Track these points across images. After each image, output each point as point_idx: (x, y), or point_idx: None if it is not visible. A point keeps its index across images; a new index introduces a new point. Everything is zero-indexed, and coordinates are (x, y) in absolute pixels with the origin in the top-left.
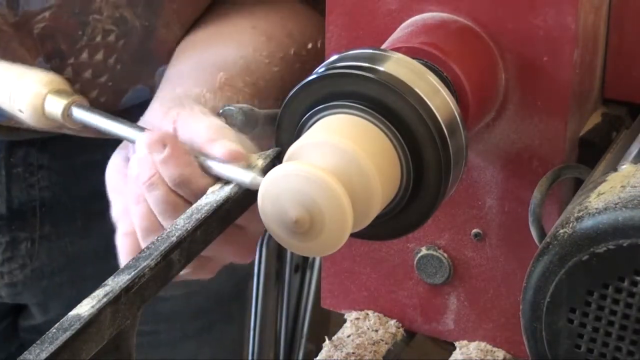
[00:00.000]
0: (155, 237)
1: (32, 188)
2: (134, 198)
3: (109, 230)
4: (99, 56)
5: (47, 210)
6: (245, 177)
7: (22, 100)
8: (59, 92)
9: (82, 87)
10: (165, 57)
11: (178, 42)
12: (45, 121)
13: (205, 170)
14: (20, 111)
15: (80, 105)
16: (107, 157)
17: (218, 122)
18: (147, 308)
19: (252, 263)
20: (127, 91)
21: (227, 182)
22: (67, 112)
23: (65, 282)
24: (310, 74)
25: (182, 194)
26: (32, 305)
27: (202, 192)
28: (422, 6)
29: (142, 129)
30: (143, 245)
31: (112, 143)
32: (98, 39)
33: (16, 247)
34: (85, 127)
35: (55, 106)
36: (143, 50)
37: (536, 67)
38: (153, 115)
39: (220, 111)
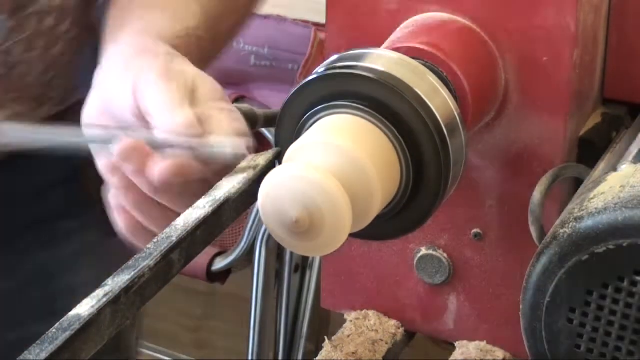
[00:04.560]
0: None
1: None
2: (131, 204)
3: (31, 265)
4: (58, 1)
5: None
6: (224, 145)
7: None
8: None
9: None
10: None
11: None
12: None
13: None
14: None
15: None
16: (31, 190)
17: (175, 93)
18: None
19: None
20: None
21: (226, 182)
22: None
23: None
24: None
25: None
26: None
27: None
28: (422, 6)
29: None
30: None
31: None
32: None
33: None
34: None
35: None
36: None
37: (536, 67)
38: (114, 87)
39: None
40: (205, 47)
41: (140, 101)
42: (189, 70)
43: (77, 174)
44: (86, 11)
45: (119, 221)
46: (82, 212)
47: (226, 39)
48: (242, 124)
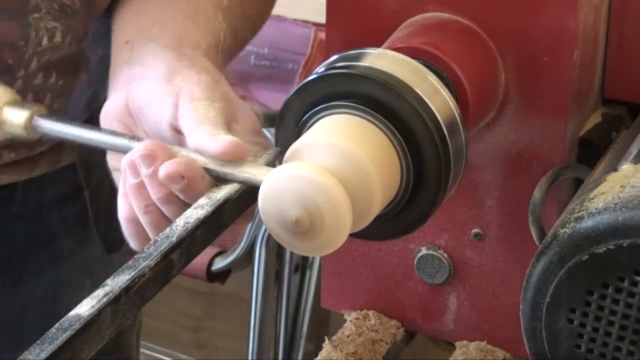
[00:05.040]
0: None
1: None
2: (140, 208)
3: (29, 287)
4: (46, 58)
5: None
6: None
7: None
8: (13, 105)
9: (33, 95)
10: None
11: None
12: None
13: (214, 174)
14: None
15: (44, 116)
16: (27, 212)
17: (215, 114)
18: None
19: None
20: (74, 84)
21: (225, 182)
22: (30, 124)
23: None
24: None
25: (194, 197)
26: None
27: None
28: (422, 6)
29: (116, 134)
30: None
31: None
32: (45, 42)
33: None
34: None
35: (16, 118)
36: (87, 37)
37: (536, 67)
38: (153, 94)
39: None
40: (224, 59)
41: (182, 115)
42: (232, 95)
43: (77, 192)
44: (74, 64)
45: (125, 228)
46: (83, 230)
47: (239, 49)
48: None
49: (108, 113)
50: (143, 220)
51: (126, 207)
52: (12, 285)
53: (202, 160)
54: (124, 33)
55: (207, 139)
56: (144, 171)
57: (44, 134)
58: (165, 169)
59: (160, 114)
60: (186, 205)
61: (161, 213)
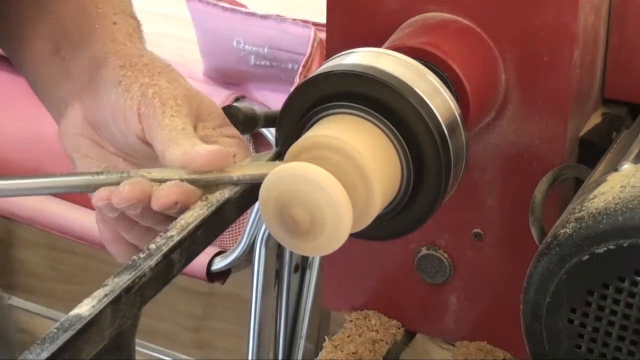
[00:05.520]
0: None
1: None
2: (126, 231)
3: None
4: None
5: None
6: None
7: None
8: None
9: None
10: None
11: None
12: None
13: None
14: None
15: None
16: None
17: (182, 125)
18: None
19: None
20: None
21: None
22: None
23: None
24: None
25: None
26: None
27: None
28: (422, 6)
29: (71, 174)
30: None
31: None
32: None
33: None
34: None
35: None
36: None
37: (536, 67)
38: (114, 110)
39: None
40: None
41: (149, 131)
42: (192, 90)
43: None
44: None
45: (112, 250)
46: None
47: None
48: (246, 150)
49: (69, 129)
50: (129, 237)
51: (109, 232)
52: None
53: (184, 173)
54: (41, 40)
55: (188, 154)
56: (131, 212)
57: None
58: (160, 203)
59: (124, 126)
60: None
61: (147, 227)
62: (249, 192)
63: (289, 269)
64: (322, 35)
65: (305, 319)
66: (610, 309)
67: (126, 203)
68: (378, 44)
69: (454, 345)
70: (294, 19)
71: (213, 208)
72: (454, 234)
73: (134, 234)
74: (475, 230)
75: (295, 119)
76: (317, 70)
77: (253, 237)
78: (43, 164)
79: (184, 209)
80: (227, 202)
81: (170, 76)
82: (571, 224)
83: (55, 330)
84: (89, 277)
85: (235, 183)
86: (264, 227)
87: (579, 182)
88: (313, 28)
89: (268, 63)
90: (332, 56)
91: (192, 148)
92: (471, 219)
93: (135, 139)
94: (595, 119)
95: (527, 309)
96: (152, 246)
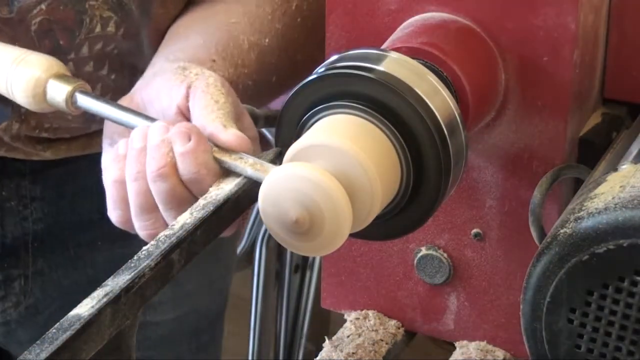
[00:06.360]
0: (149, 216)
1: (26, 221)
2: (132, 173)
3: (101, 258)
4: (99, 47)
5: (39, 243)
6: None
7: (21, 85)
8: (59, 77)
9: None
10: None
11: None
12: (46, 107)
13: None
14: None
15: (84, 92)
16: (97, 184)
17: (227, 107)
18: (138, 333)
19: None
20: (126, 83)
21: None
22: (70, 99)
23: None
24: (311, 30)
25: (191, 190)
26: (26, 343)
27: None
28: (422, 6)
29: (149, 118)
30: (135, 222)
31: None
32: (97, 29)
33: (9, 285)
34: (89, 113)
35: (58, 92)
36: (141, 37)
37: (536, 67)
38: (164, 84)
39: None
40: (249, 94)
41: (193, 100)
42: (238, 101)
43: None
44: (129, 62)
45: (112, 193)
46: None
47: (275, 92)
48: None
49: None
50: (130, 187)
51: (116, 170)
52: (81, 258)
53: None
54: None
55: (219, 128)
56: (179, 148)
57: (82, 109)
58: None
59: (168, 100)
60: (176, 189)
61: (147, 187)
62: (249, 192)
63: (289, 269)
64: None
65: (306, 319)
66: (610, 309)
67: (184, 129)
68: (378, 44)
69: (453, 345)
70: None
71: (213, 208)
72: (453, 234)
73: (135, 185)
74: (475, 230)
75: (295, 119)
76: (317, 70)
77: (253, 237)
78: None
79: (191, 155)
80: (227, 202)
81: (224, 82)
82: (571, 224)
83: (54, 331)
84: None
85: (247, 177)
86: (264, 227)
87: (579, 182)
88: None
89: None
90: (332, 56)
91: (224, 125)
92: (471, 219)
93: (175, 109)
94: (595, 119)
95: (527, 309)
96: (152, 246)
